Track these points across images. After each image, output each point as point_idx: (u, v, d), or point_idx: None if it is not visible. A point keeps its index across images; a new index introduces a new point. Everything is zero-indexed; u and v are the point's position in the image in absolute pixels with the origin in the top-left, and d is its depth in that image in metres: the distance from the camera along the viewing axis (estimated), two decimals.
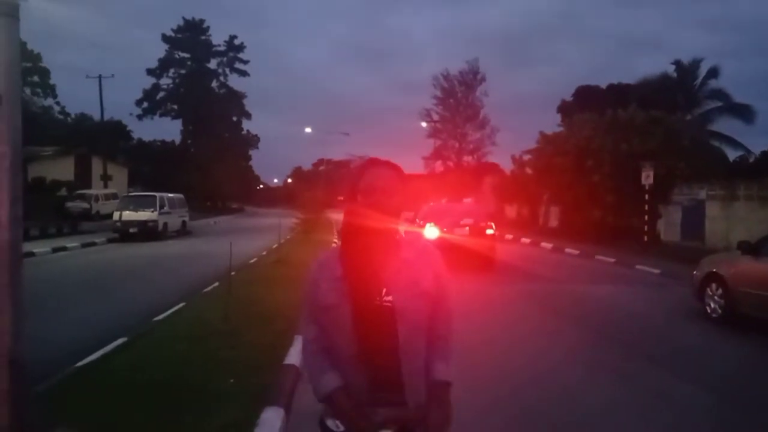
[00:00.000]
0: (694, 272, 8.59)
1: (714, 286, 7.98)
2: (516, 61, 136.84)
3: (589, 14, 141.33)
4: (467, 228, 13.37)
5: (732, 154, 31.28)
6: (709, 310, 8.01)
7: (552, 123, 42.04)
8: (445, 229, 13.17)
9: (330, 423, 1.71)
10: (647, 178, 17.71)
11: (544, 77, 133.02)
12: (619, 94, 31.68)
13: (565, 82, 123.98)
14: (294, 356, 5.41)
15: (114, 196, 32.83)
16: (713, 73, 30.32)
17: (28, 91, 43.58)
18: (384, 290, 1.67)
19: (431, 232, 12.81)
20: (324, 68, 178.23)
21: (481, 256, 12.77)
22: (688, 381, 5.27)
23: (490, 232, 13.51)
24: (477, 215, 14.25)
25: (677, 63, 31.80)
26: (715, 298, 7.91)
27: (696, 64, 31.00)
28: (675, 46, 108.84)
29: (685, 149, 19.77)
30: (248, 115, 66.62)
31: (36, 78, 44.68)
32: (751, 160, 31.75)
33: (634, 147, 19.25)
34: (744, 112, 28.96)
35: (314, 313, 1.76)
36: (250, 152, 73.18)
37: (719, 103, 30.10)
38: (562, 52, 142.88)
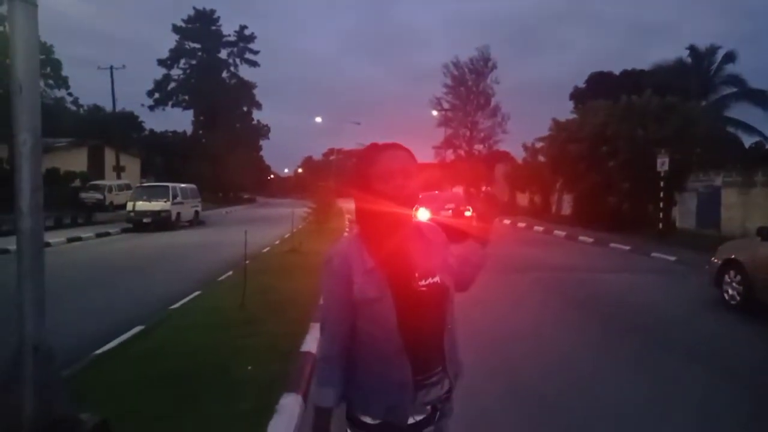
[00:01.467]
0: (712, 259, 8.48)
1: (732, 272, 7.88)
2: (525, 48, 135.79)
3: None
4: (450, 211, 17.33)
5: (747, 141, 30.91)
6: (727, 297, 7.92)
7: (562, 111, 41.72)
8: (433, 212, 16.75)
9: (365, 417, 1.65)
10: (663, 165, 17.52)
11: (554, 64, 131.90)
12: (632, 80, 31.30)
13: (575, 70, 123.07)
14: (310, 343, 5.42)
15: (127, 187, 33.07)
16: (729, 58, 29.89)
17: (41, 82, 43.80)
18: (417, 275, 1.64)
19: (423, 214, 16.25)
20: (333, 58, 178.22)
21: (460, 231, 16.66)
22: (708, 369, 5.22)
23: (468, 213, 17.20)
24: (458, 201, 18.47)
25: (692, 48, 31.35)
26: (734, 284, 7.81)
27: (712, 49, 30.56)
28: (687, 32, 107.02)
29: (701, 135, 19.46)
30: (259, 106, 66.74)
31: (48, 70, 44.86)
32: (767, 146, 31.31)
33: (650, 133, 18.99)
34: (760, 98, 28.52)
35: (345, 314, 1.64)
36: (261, 142, 73.38)
37: (734, 89, 29.69)
38: (572, 39, 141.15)
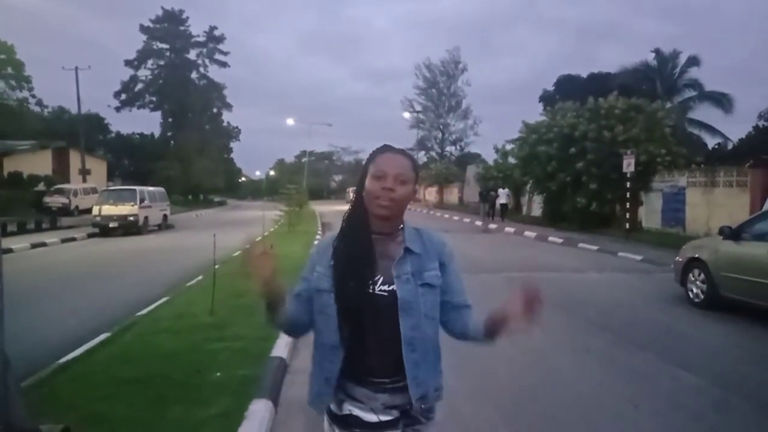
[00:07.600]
0: (677, 258, 8.68)
1: (696, 271, 8.07)
2: (478, 51, 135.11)
3: (548, 1, 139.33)
4: None
5: (710, 142, 31.85)
6: (691, 295, 8.11)
7: (527, 113, 42.26)
8: None
9: (345, 408, 1.67)
10: (628, 165, 17.87)
11: (510, 66, 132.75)
12: (599, 83, 31.92)
13: (534, 71, 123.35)
14: (281, 348, 5.37)
15: (93, 191, 32.28)
16: (692, 61, 30.70)
17: (2, 83, 42.56)
18: (380, 278, 1.63)
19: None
20: (296, 59, 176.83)
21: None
22: (674, 364, 5.33)
23: None
24: None
25: (657, 51, 32.15)
26: (698, 283, 8.01)
27: (676, 53, 31.40)
28: (635, 35, 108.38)
29: (666, 136, 19.93)
30: (229, 107, 66.06)
31: (10, 70, 43.62)
32: (729, 147, 32.27)
33: (617, 134, 19.38)
34: (722, 101, 29.36)
35: (304, 285, 1.77)
36: (232, 144, 72.62)
37: (696, 92, 30.54)
38: (525, 42, 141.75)
